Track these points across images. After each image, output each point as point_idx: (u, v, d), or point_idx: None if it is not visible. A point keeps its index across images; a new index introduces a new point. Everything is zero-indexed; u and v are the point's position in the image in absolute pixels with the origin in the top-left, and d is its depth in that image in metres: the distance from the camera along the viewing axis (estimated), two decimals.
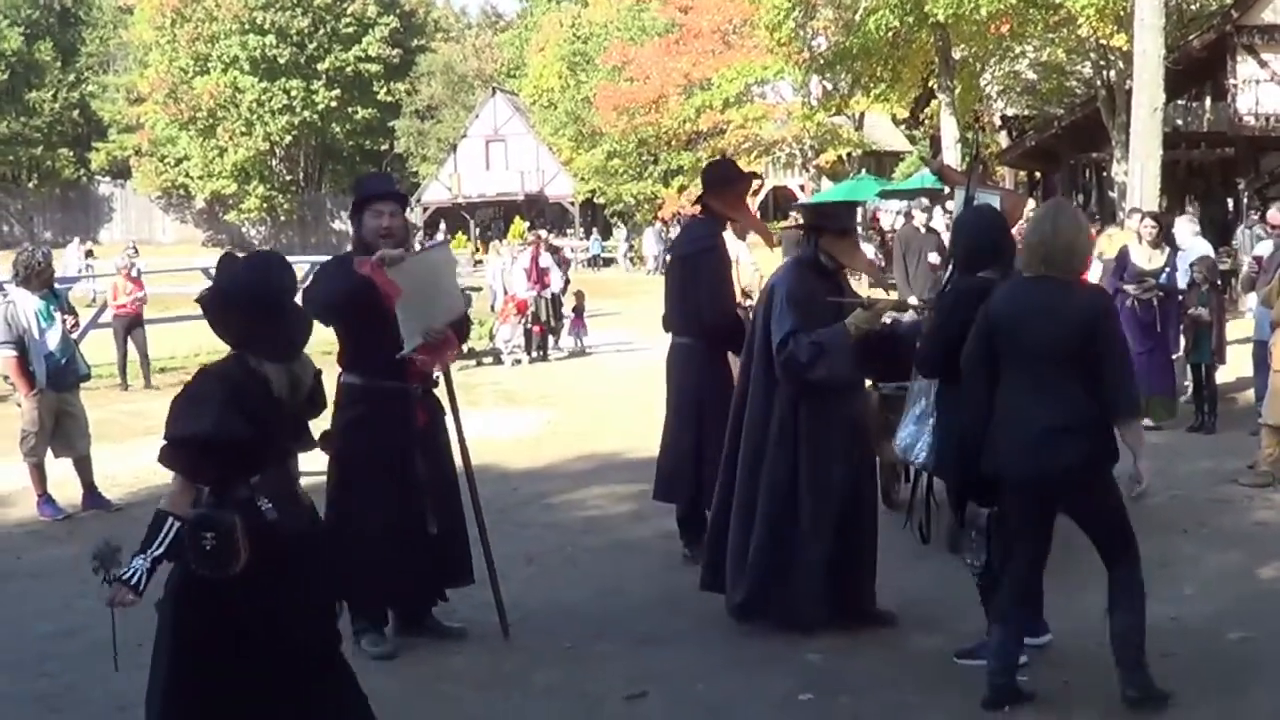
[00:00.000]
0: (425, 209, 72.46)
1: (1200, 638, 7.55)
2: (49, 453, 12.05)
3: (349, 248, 8.07)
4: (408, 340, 7.43)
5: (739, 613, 7.97)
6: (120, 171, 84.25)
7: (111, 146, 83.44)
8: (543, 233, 30.83)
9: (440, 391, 8.08)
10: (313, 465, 7.85)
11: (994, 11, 25.89)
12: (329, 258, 11.41)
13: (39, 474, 11.95)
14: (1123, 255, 15.10)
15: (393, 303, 7.34)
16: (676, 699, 7.04)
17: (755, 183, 13.38)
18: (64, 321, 12.19)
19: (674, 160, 59.57)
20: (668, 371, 9.90)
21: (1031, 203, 22.03)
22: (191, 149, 77.39)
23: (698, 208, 9.95)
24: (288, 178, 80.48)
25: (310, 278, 11.02)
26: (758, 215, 12.55)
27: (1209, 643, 7.45)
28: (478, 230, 68.85)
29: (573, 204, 70.90)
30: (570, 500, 12.27)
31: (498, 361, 24.39)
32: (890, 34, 28.43)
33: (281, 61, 76.51)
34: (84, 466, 12.21)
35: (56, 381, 11.98)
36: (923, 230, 21.08)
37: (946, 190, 20.05)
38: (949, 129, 30.46)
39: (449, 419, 8.12)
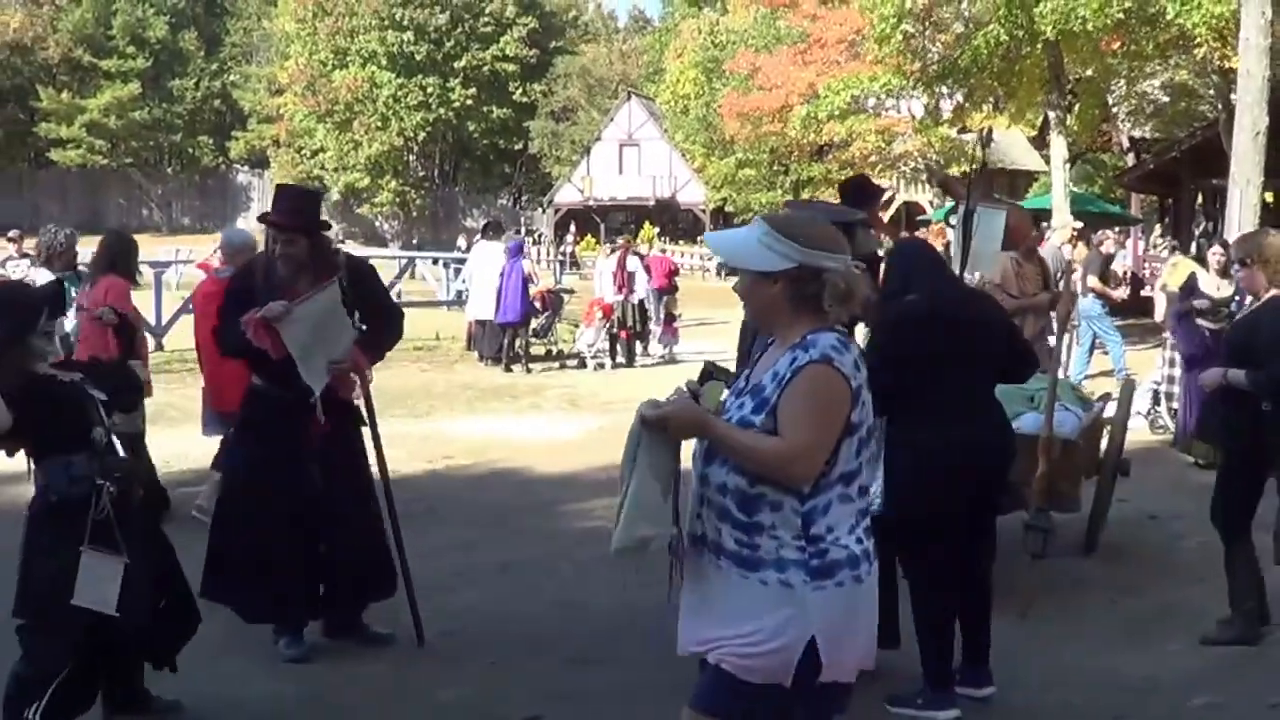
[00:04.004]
0: (557, 210, 72.97)
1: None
2: None
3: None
4: (314, 382, 7.21)
5: None
6: (258, 161, 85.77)
7: (250, 136, 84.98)
8: (629, 238, 30.34)
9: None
10: None
11: (1100, 27, 25.15)
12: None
13: None
14: (1191, 281, 14.50)
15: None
16: None
17: (886, 195, 13.00)
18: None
19: (804, 171, 58.92)
20: None
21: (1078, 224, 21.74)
22: (328, 141, 78.71)
23: None
24: (421, 174, 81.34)
25: None
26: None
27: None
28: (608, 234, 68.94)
29: (704, 211, 70.62)
30: (578, 509, 11.89)
31: (582, 365, 24.10)
32: (1001, 49, 27.82)
33: (419, 58, 77.47)
34: None
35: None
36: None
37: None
38: (1058, 149, 29.71)
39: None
